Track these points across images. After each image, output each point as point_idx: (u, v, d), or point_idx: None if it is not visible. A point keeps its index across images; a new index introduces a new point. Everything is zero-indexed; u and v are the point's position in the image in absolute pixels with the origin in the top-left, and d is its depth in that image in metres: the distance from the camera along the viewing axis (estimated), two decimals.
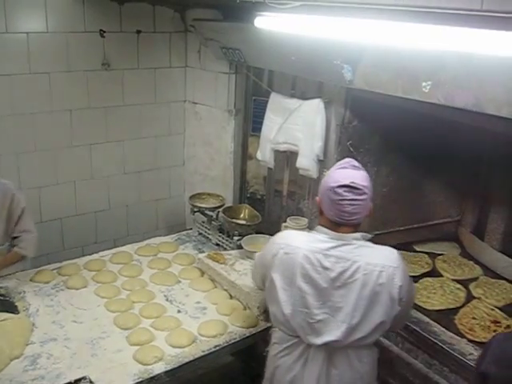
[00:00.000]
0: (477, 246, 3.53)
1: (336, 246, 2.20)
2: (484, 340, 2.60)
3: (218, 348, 2.66)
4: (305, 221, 3.23)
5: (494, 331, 2.69)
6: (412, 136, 3.16)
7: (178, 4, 3.85)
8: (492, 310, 2.88)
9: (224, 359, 3.24)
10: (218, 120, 3.85)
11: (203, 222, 3.74)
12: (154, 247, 3.58)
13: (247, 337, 2.77)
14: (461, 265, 3.42)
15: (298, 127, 3.13)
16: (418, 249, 3.56)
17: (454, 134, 3.07)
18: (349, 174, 2.19)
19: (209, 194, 3.84)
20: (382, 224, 3.41)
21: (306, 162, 3.10)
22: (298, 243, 2.28)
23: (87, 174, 3.82)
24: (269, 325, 2.82)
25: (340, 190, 2.15)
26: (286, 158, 3.39)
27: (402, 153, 3.32)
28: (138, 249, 3.53)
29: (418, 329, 2.70)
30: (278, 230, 3.26)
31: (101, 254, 3.45)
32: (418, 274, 3.22)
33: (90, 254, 3.45)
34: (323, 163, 3.09)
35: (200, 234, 3.77)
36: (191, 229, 3.87)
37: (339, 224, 2.21)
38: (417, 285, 3.08)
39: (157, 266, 3.34)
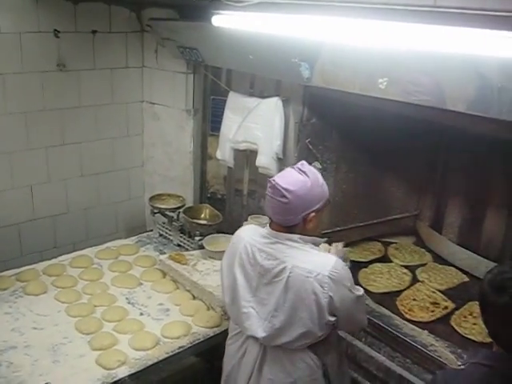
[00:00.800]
0: (435, 239, 3.59)
1: (270, 243, 2.23)
2: (421, 319, 2.78)
3: (181, 349, 2.66)
4: (266, 219, 3.22)
5: (432, 311, 2.84)
6: (371, 132, 3.19)
7: (134, 3, 3.81)
8: (433, 292, 3.02)
9: (188, 360, 3.22)
10: (177, 120, 3.83)
11: (164, 223, 3.72)
12: (115, 250, 3.54)
13: (211, 337, 2.77)
14: (412, 252, 3.55)
15: (256, 126, 3.14)
16: (393, 258, 3.56)
17: (412, 130, 3.13)
18: (286, 174, 2.23)
19: (169, 195, 3.81)
20: (343, 220, 3.44)
21: (265, 161, 3.11)
22: (244, 234, 2.36)
23: (44, 177, 3.74)
24: None
25: (268, 188, 2.21)
26: (246, 156, 3.39)
27: (361, 149, 3.36)
28: (98, 252, 3.49)
29: (380, 322, 2.73)
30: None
31: (60, 258, 3.39)
32: (367, 260, 3.36)
33: (49, 259, 3.39)
34: (282, 161, 3.10)
35: (161, 235, 3.74)
36: (152, 230, 3.84)
37: (272, 221, 2.26)
38: (365, 270, 3.24)
39: (118, 268, 3.30)
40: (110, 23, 3.78)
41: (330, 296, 2.13)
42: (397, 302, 2.94)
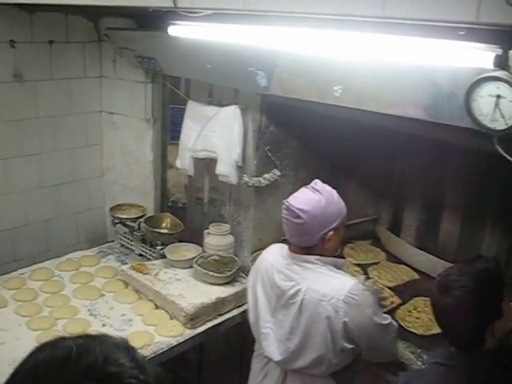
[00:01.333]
0: (393, 242, 3.66)
1: (287, 264, 2.23)
2: None
3: (146, 358, 2.64)
4: (227, 227, 3.26)
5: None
6: (329, 139, 3.25)
7: (91, 13, 3.79)
8: (382, 289, 3.07)
9: (152, 370, 3.21)
10: (136, 129, 3.81)
11: (125, 233, 3.70)
12: (76, 261, 3.51)
13: (174, 346, 2.77)
14: (367, 251, 3.62)
15: (215, 134, 3.15)
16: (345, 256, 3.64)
17: (368, 136, 3.18)
18: (300, 194, 2.26)
19: (130, 205, 3.80)
20: None
21: (225, 169, 3.13)
22: (268, 255, 2.40)
23: (2, 189, 3.68)
24: (197, 332, 2.84)
25: (283, 209, 2.22)
26: (206, 165, 3.40)
27: (320, 156, 3.40)
28: (59, 264, 3.45)
29: None
30: (201, 238, 3.30)
31: (20, 271, 3.35)
32: None
33: (8, 273, 3.34)
34: (242, 169, 3.12)
35: (122, 245, 3.72)
36: (113, 241, 3.82)
37: (292, 244, 2.27)
38: None
39: (79, 280, 3.27)
40: (67, 33, 3.75)
41: (345, 322, 2.09)
42: None
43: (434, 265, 3.29)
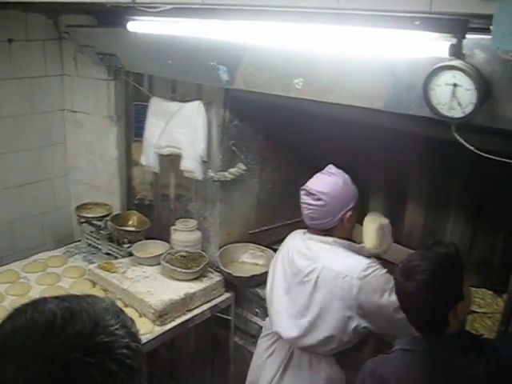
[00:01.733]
0: (360, 232, 3.68)
1: (306, 245, 2.33)
2: None
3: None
4: (193, 222, 3.25)
5: None
6: (294, 132, 3.27)
7: (50, 10, 3.73)
8: None
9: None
10: (100, 127, 3.78)
11: (92, 232, 3.67)
12: (42, 262, 3.47)
13: (144, 343, 2.72)
14: None
15: (180, 130, 3.14)
16: None
17: (333, 128, 3.20)
18: (317, 179, 2.37)
19: (95, 204, 3.76)
20: (270, 219, 3.50)
21: (190, 164, 3.12)
22: (289, 238, 2.53)
23: None
24: (166, 329, 2.83)
25: (302, 194, 2.36)
26: (171, 161, 3.38)
27: (285, 149, 3.42)
28: (25, 265, 3.41)
29: None
30: (168, 234, 3.29)
31: None
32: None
33: None
34: (207, 164, 3.12)
35: (89, 244, 3.69)
36: (80, 240, 3.78)
37: (308, 226, 2.38)
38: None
39: (46, 281, 3.24)
40: (27, 31, 3.69)
41: (360, 299, 2.13)
42: None
43: (400, 253, 3.33)
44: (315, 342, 2.24)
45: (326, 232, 2.33)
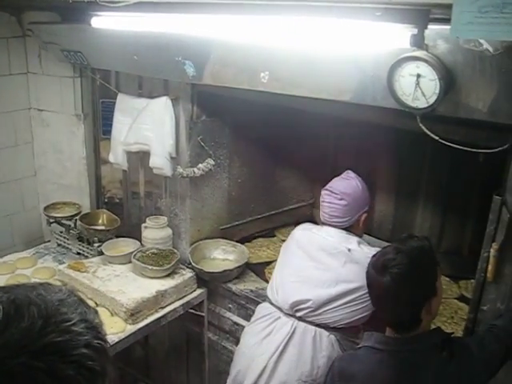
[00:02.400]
0: None
1: (326, 231, 2.52)
2: None
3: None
4: (164, 219, 3.23)
5: None
6: (263, 126, 3.27)
7: (13, 7, 3.66)
8: None
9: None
10: (67, 126, 3.73)
11: (61, 233, 3.62)
12: (11, 264, 3.40)
13: (116, 342, 2.72)
14: None
15: (147, 127, 3.10)
16: (278, 234, 3.69)
17: (301, 122, 3.21)
18: (338, 182, 2.56)
19: (64, 203, 3.71)
20: (241, 214, 3.49)
21: (158, 161, 3.09)
22: (301, 227, 2.68)
23: None
24: (138, 327, 2.81)
25: (323, 192, 2.54)
26: (140, 158, 3.35)
27: (255, 143, 3.42)
28: None
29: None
30: (139, 232, 3.27)
31: None
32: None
33: None
34: (176, 160, 3.09)
35: (59, 245, 3.64)
36: (49, 241, 3.73)
37: (324, 223, 2.55)
38: (248, 244, 3.47)
39: (15, 283, 3.17)
40: None
41: None
42: (265, 270, 3.20)
43: (371, 245, 3.36)
44: (335, 318, 2.36)
45: (344, 230, 2.52)
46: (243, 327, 2.91)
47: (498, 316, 1.92)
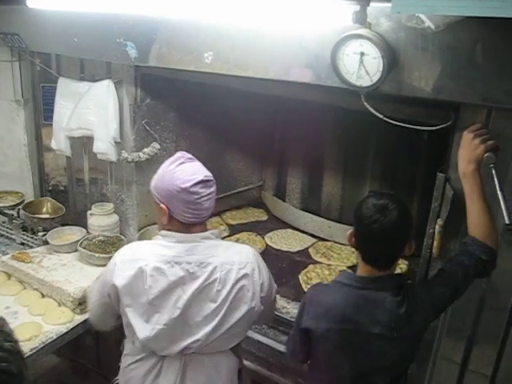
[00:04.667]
0: (280, 207, 3.72)
1: (189, 249, 1.98)
2: None
3: (34, 351, 2.53)
4: (110, 206, 3.18)
5: None
6: (210, 109, 3.24)
7: None
8: None
9: (50, 361, 3.11)
10: (6, 112, 3.60)
11: (4, 223, 3.51)
12: None
13: (65, 333, 2.66)
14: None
15: (90, 111, 3.02)
16: (229, 220, 3.69)
17: (249, 104, 3.20)
18: (194, 168, 2.02)
19: (6, 192, 3.59)
20: None
21: (102, 146, 3.02)
22: (142, 255, 2.01)
23: None
24: (86, 316, 2.75)
25: (196, 189, 1.93)
26: (83, 144, 3.27)
27: (201, 126, 3.38)
28: None
29: None
30: (85, 220, 3.19)
31: None
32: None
33: None
34: (121, 145, 3.03)
35: (2, 235, 3.52)
36: None
37: (193, 224, 2.00)
38: None
39: None
40: None
41: (262, 283, 2.04)
42: None
43: (320, 225, 3.39)
44: (222, 334, 2.04)
45: (204, 225, 2.12)
46: None
47: (447, 260, 2.00)
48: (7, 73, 3.54)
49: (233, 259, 2.01)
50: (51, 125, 3.34)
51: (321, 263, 3.12)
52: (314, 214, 3.44)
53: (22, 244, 3.40)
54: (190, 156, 2.08)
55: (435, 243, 2.04)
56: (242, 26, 2.17)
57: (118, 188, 3.22)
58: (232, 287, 1.99)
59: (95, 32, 2.68)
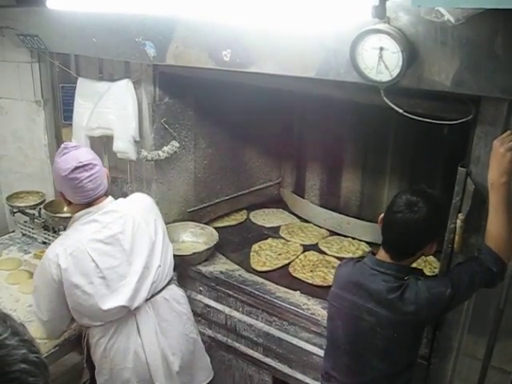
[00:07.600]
0: (299, 203, 3.72)
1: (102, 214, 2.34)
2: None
3: (57, 348, 2.57)
4: None
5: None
6: (227, 106, 3.24)
7: None
8: None
9: (72, 359, 3.13)
10: (26, 113, 3.64)
11: (26, 222, 3.55)
12: None
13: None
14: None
15: (109, 110, 3.04)
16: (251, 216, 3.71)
17: (267, 101, 3.19)
18: (72, 156, 2.29)
19: (27, 192, 3.63)
20: (208, 196, 3.48)
21: (122, 145, 3.03)
22: (74, 240, 2.29)
23: None
24: None
25: (74, 175, 2.25)
26: (103, 143, 3.29)
27: (219, 124, 3.39)
28: None
29: (254, 290, 2.80)
30: None
31: None
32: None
33: None
34: (140, 144, 3.05)
35: (24, 234, 3.57)
36: (14, 231, 3.66)
37: (93, 200, 2.34)
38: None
39: None
40: None
41: (155, 219, 2.52)
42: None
43: (339, 222, 3.38)
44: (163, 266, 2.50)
45: (105, 195, 2.47)
46: (215, 309, 2.92)
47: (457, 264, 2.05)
48: (27, 74, 3.57)
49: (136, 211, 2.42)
50: (71, 125, 3.36)
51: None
52: (333, 210, 3.43)
53: (44, 243, 3.43)
54: (74, 145, 2.39)
55: (456, 238, 2.02)
56: (259, 24, 2.17)
57: (137, 186, 3.24)
58: (147, 232, 2.39)
59: (113, 32, 2.70)
